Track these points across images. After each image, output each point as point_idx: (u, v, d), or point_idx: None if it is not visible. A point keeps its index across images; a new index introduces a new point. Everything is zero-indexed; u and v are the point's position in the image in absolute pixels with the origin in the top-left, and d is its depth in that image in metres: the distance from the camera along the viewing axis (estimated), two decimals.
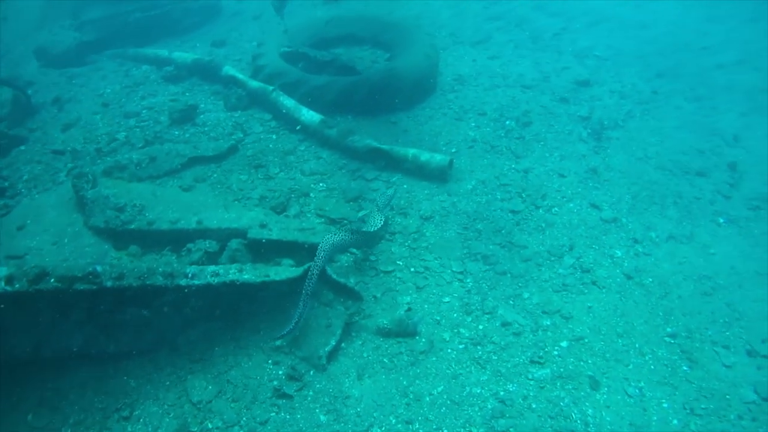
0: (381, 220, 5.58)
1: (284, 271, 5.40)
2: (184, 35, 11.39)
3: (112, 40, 10.93)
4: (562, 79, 9.40)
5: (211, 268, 5.14)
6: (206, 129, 7.90)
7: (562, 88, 9.13)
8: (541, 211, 6.57)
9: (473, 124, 8.01)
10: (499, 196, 6.72)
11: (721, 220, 6.74)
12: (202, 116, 8.15)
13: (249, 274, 5.19)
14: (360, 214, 6.38)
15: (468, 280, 5.72)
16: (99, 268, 4.77)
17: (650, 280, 5.84)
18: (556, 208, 6.60)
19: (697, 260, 6.15)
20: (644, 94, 9.30)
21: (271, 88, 8.01)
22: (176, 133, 7.85)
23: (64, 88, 9.55)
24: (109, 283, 4.72)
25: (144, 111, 8.37)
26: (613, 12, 12.95)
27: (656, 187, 7.12)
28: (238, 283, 5.06)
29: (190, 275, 5.00)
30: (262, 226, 5.99)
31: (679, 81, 9.89)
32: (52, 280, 4.60)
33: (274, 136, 7.69)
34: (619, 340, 5.24)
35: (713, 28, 12.61)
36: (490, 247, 6.06)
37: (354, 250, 5.89)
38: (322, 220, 6.32)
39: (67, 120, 8.34)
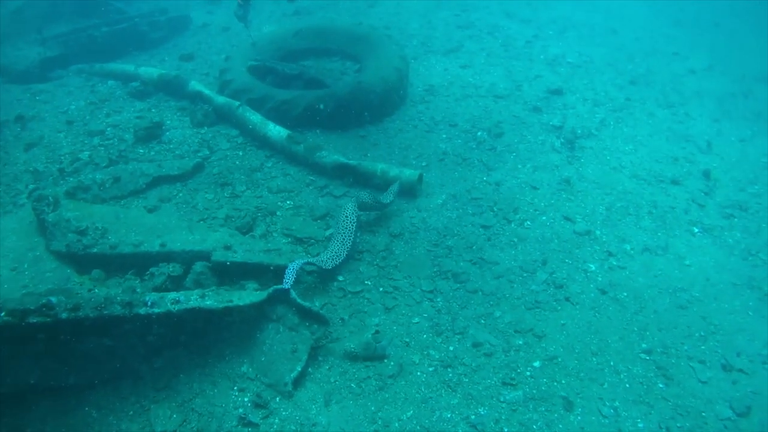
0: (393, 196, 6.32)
1: (248, 295, 5.22)
2: (152, 49, 11.14)
3: (78, 55, 10.65)
4: (535, 88, 9.31)
5: (172, 295, 4.95)
6: (172, 146, 7.68)
7: (535, 96, 9.03)
8: (513, 225, 6.43)
9: (444, 136, 7.87)
10: (470, 211, 6.57)
11: (696, 230, 6.65)
12: (167, 133, 7.93)
13: (211, 299, 5.01)
14: (327, 233, 6.19)
15: (438, 300, 5.56)
16: (54, 300, 4.56)
17: (625, 294, 5.72)
18: (528, 222, 6.47)
19: (672, 272, 6.05)
20: (617, 102, 9.22)
21: (237, 103, 7.82)
22: (141, 151, 7.63)
23: (28, 105, 9.26)
24: (64, 315, 4.52)
25: (109, 129, 8.13)
26: (583, 18, 12.95)
27: (630, 197, 7.02)
28: (200, 309, 4.86)
29: (149, 303, 4.80)
30: (227, 248, 5.82)
31: (652, 87, 9.85)
32: (3, 313, 4.37)
33: (240, 153, 7.50)
34: (594, 359, 5.10)
35: (680, 33, 12.68)
36: (461, 264, 5.90)
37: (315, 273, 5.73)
38: (289, 239, 6.14)
39: (30, 139, 8.07)
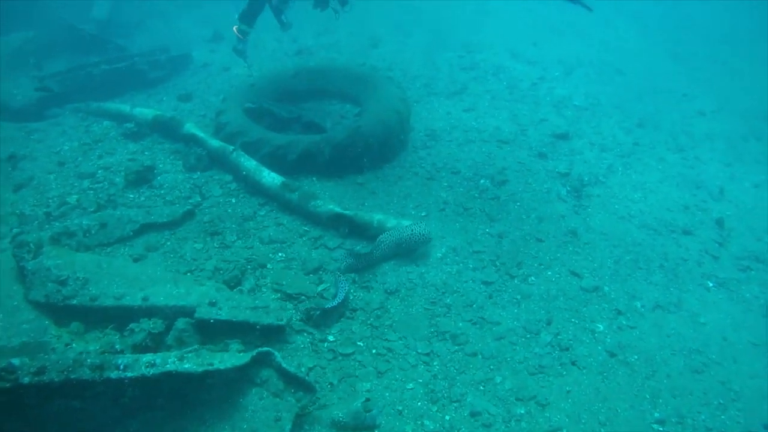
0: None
1: (231, 357, 4.91)
2: (151, 88, 10.96)
3: (76, 93, 10.47)
4: (540, 132, 9.03)
5: (147, 357, 4.65)
6: (163, 192, 7.41)
7: (540, 141, 8.75)
8: (516, 281, 6.08)
9: (445, 184, 7.57)
10: (471, 265, 6.24)
11: (710, 284, 6.31)
12: (159, 178, 7.67)
13: (190, 362, 4.71)
14: (320, 288, 5.86)
15: (435, 363, 5.20)
16: (16, 362, 4.28)
17: (635, 357, 5.34)
18: (532, 278, 6.12)
19: (686, 332, 5.68)
20: (625, 146, 8.93)
21: (231, 148, 7.56)
22: (131, 196, 7.36)
23: (21, 143, 9.04)
24: (26, 380, 4.22)
25: (100, 171, 7.88)
26: (589, 58, 12.74)
27: (640, 249, 6.68)
28: (177, 373, 4.53)
29: (122, 367, 4.50)
30: (212, 304, 5.53)
31: (660, 130, 9.56)
32: None
33: (233, 200, 7.21)
34: (602, 430, 4.71)
35: (682, 69, 12.44)
36: (460, 324, 5.55)
37: (311, 330, 5.39)
38: (279, 295, 5.83)
39: (20, 179, 7.84)
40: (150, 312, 5.45)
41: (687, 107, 10.77)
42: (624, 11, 17.16)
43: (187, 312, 5.40)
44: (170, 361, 4.66)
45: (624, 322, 5.70)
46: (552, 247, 6.57)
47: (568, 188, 7.61)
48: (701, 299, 6.10)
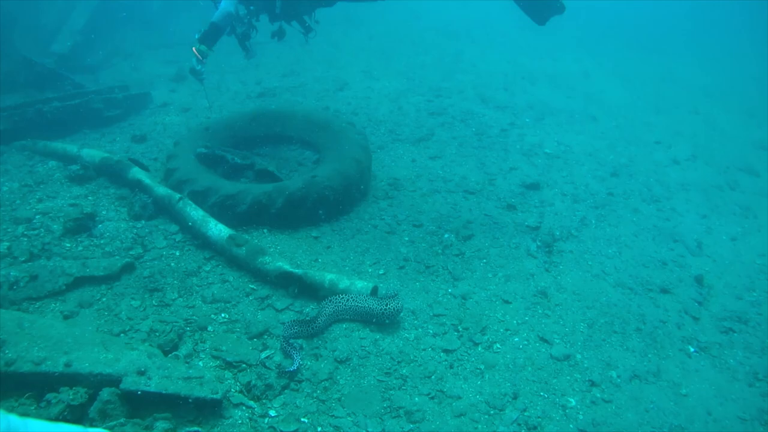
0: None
1: None
2: (105, 127, 10.41)
3: (25, 131, 9.88)
4: (509, 182, 8.59)
5: None
6: (102, 242, 6.82)
7: (509, 192, 8.30)
8: (480, 348, 5.53)
9: (406, 239, 7.05)
10: (431, 331, 5.68)
11: (692, 349, 5.83)
12: (100, 226, 7.08)
13: None
14: (263, 355, 5.26)
15: None
16: None
17: None
18: (498, 345, 5.58)
19: (666, 405, 5.16)
20: (599, 196, 8.51)
21: (178, 196, 7.01)
22: (68, 245, 6.76)
23: None
24: None
25: (37, 217, 7.27)
26: (561, 104, 12.45)
27: (616, 310, 6.18)
28: None
29: None
30: (140, 373, 4.96)
31: (635, 179, 9.19)
32: None
33: (177, 253, 6.63)
34: None
35: (660, 120, 12.21)
36: (416, 399, 4.96)
37: (251, 404, 4.80)
38: (218, 363, 5.22)
39: None
40: (73, 380, 4.86)
41: (661, 156, 10.47)
42: (605, 64, 17.13)
43: (113, 381, 4.83)
44: None
45: (598, 395, 5.15)
46: (520, 309, 6.05)
47: (539, 243, 7.14)
48: (682, 367, 5.60)
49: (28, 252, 6.57)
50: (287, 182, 7.18)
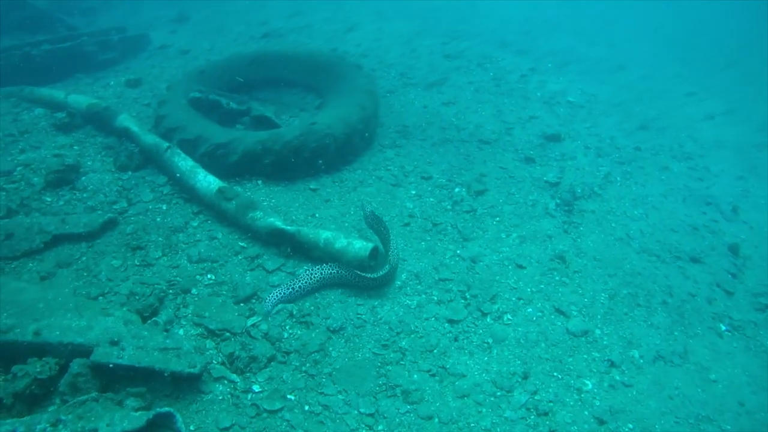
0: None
1: (121, 420, 3.86)
2: (99, 71, 9.84)
3: (13, 76, 9.37)
4: (528, 132, 7.91)
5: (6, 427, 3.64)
6: (85, 195, 6.32)
7: (528, 143, 7.64)
8: (488, 319, 4.98)
9: (413, 192, 6.46)
10: (435, 297, 5.14)
11: (723, 328, 5.23)
12: (84, 178, 6.57)
13: (67, 429, 3.66)
14: (249, 322, 4.76)
15: (379, 428, 4.09)
16: None
17: (630, 426, 4.26)
18: (508, 316, 5.02)
19: (693, 392, 4.60)
20: (625, 151, 7.82)
21: (165, 145, 6.44)
22: (48, 199, 6.27)
23: None
24: None
25: (19, 168, 6.77)
26: (586, 51, 11.62)
27: (640, 280, 5.59)
28: None
29: None
30: (113, 343, 4.55)
31: (665, 134, 8.46)
32: None
33: (164, 207, 6.11)
34: None
35: (691, 73, 11.31)
36: (415, 376, 4.45)
37: (233, 378, 4.32)
38: (199, 330, 4.74)
39: None
40: (43, 349, 4.47)
41: (694, 110, 9.68)
42: (629, 11, 16.09)
43: (85, 351, 4.41)
44: (38, 430, 3.65)
45: (618, 378, 4.60)
46: (535, 275, 5.47)
47: (558, 201, 6.52)
48: (712, 348, 5.02)
49: (6, 208, 6.10)
50: (283, 129, 6.58)
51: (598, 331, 4.97)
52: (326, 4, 13.70)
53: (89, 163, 6.87)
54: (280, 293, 4.91)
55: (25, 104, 8.47)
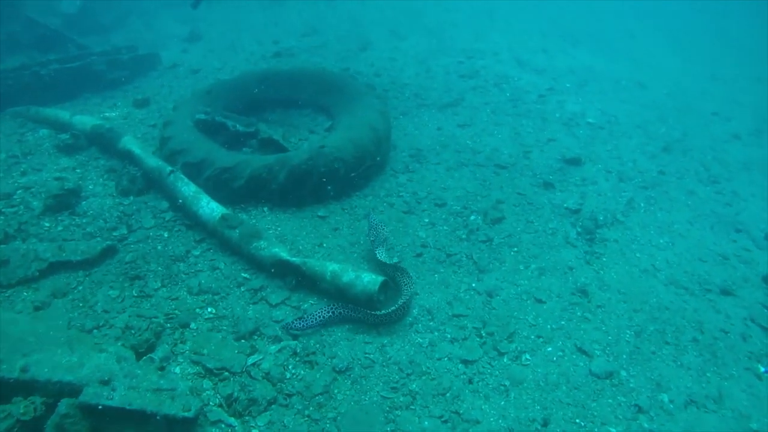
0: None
1: None
2: (108, 91, 9.68)
3: (21, 95, 9.25)
4: (547, 155, 7.59)
5: None
6: (84, 221, 6.09)
7: (547, 167, 7.31)
8: (505, 359, 4.64)
9: (426, 220, 6.16)
10: (449, 335, 4.81)
11: (762, 369, 4.86)
12: (84, 203, 6.36)
13: None
14: (250, 361, 4.46)
15: None
16: None
17: None
18: (527, 355, 4.68)
19: None
20: (648, 175, 7.47)
21: (169, 169, 6.21)
22: (47, 224, 6.06)
23: None
24: None
25: (19, 192, 6.59)
26: (605, 69, 11.29)
27: (668, 315, 5.23)
28: None
29: None
30: (104, 382, 4.28)
31: (690, 156, 8.10)
32: None
33: (165, 234, 5.86)
34: None
35: (718, 89, 10.92)
36: (426, 422, 4.13)
37: (232, 422, 4.03)
38: (196, 369, 4.44)
39: None
40: (30, 387, 4.20)
41: (720, 129, 9.31)
42: (651, 25, 15.73)
43: (74, 390, 4.15)
44: None
45: (646, 426, 4.24)
46: (555, 311, 5.13)
47: (579, 229, 6.18)
48: (750, 392, 4.64)
49: (3, 232, 5.91)
50: (291, 153, 6.32)
51: (623, 373, 4.61)
52: (340, 22, 13.53)
53: (90, 186, 6.66)
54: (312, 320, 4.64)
55: (31, 124, 8.35)
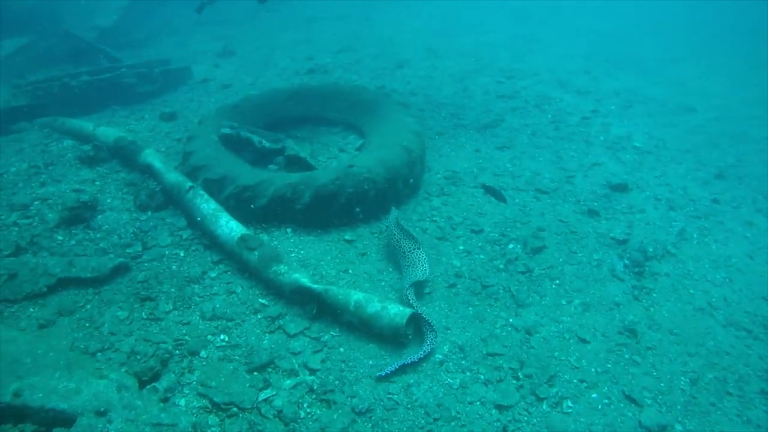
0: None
1: None
2: (136, 104, 9.52)
3: (51, 106, 9.19)
4: (591, 181, 7.11)
5: None
6: (98, 236, 5.80)
7: (591, 193, 6.83)
8: (545, 406, 4.15)
9: (461, 248, 5.72)
10: (482, 376, 4.34)
11: None
12: (100, 217, 6.09)
13: None
14: (262, 396, 4.05)
15: None
16: None
17: None
18: (569, 402, 4.18)
19: None
20: (701, 203, 6.93)
21: (188, 185, 5.89)
22: (60, 238, 5.80)
23: None
24: None
25: (36, 203, 6.37)
26: (651, 91, 10.76)
27: (729, 360, 4.68)
28: None
29: None
30: (100, 413, 4.06)
31: (746, 184, 7.53)
32: None
33: (181, 253, 5.52)
34: None
35: (764, 113, 10.30)
36: None
37: None
38: (203, 403, 4.04)
39: None
40: (21, 413, 3.96)
41: None
42: (696, 50, 15.14)
43: (68, 419, 3.90)
44: None
45: None
46: (600, 352, 4.63)
47: (626, 261, 5.67)
48: None
49: (15, 244, 5.66)
50: (318, 172, 5.95)
51: (679, 427, 4.09)
52: (376, 40, 13.26)
53: (108, 200, 6.41)
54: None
55: (56, 135, 8.22)
